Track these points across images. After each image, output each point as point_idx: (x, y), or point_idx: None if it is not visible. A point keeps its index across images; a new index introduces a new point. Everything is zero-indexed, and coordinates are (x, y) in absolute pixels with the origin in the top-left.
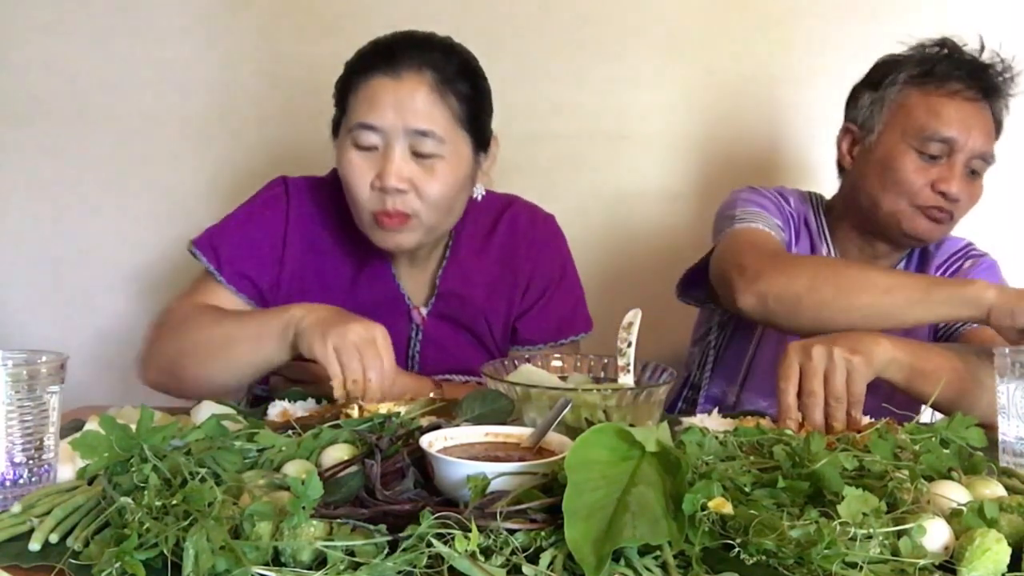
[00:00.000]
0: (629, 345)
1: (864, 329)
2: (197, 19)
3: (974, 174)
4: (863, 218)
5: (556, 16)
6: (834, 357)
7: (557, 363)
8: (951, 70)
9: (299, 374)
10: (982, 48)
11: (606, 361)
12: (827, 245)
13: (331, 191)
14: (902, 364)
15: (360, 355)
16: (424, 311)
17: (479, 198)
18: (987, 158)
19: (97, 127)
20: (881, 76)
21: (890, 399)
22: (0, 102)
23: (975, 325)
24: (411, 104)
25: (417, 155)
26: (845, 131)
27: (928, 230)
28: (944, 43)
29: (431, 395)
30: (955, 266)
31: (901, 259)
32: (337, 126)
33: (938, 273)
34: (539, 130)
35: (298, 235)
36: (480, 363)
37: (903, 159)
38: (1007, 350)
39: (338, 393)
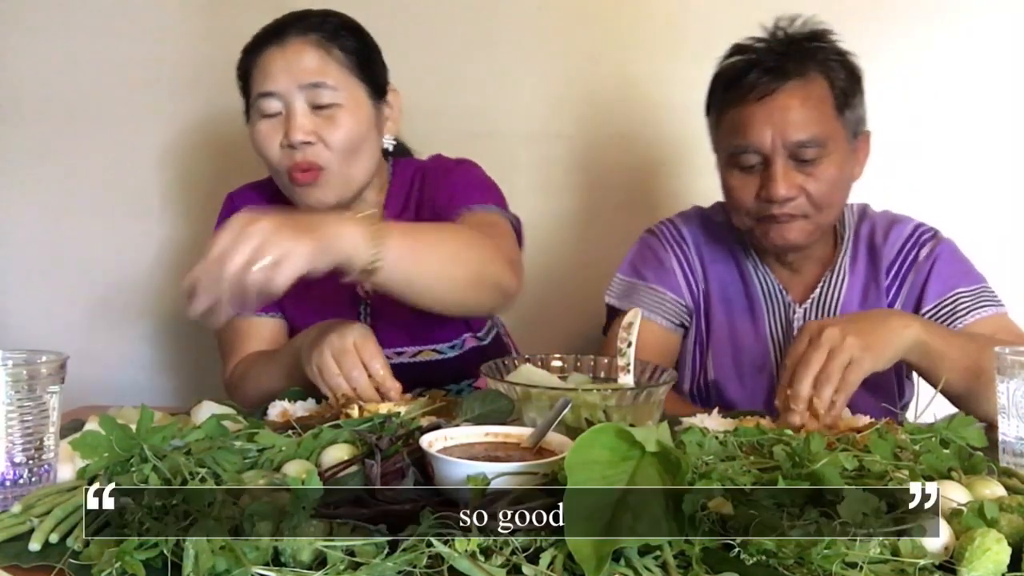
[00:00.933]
0: (629, 345)
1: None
2: (192, 18)
3: (807, 162)
4: None
5: (555, 15)
6: (844, 343)
7: (557, 363)
8: (743, 75)
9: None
10: (775, 30)
11: (606, 361)
12: (753, 259)
13: (272, 190)
14: (929, 348)
15: (339, 366)
16: (368, 287)
17: (390, 148)
18: (813, 142)
19: (94, 127)
20: (708, 102)
21: (889, 397)
22: (1, 100)
23: (977, 317)
24: (299, 63)
25: (316, 108)
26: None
27: (781, 236)
28: (739, 48)
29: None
30: (909, 258)
31: (840, 259)
32: (247, 115)
33: (892, 271)
34: (539, 130)
35: None
36: (432, 328)
37: (729, 179)
38: (1007, 350)
39: (333, 403)
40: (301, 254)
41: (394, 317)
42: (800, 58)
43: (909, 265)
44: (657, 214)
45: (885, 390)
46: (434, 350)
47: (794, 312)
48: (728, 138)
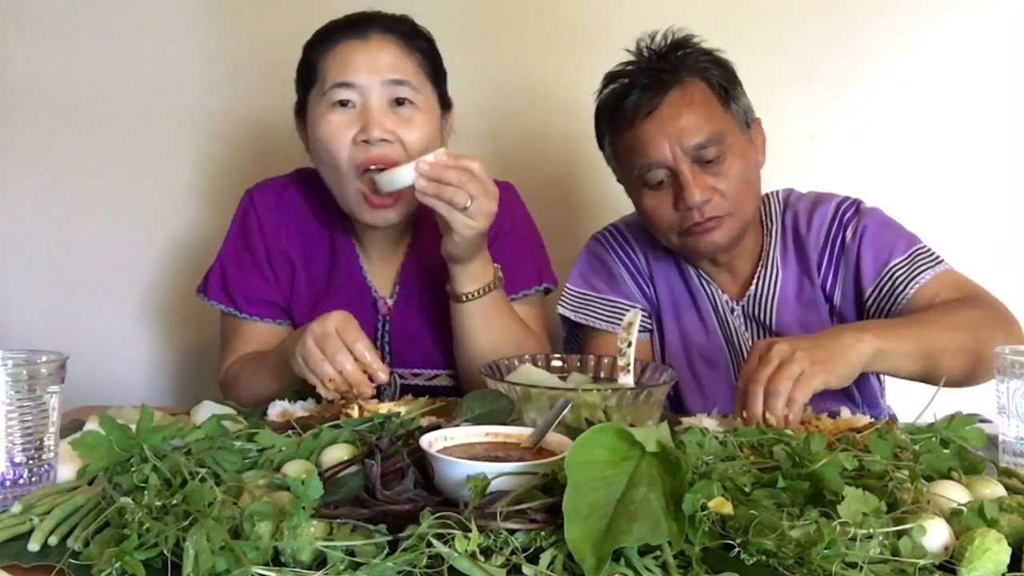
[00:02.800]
0: (629, 345)
1: None
2: (195, 18)
3: (712, 162)
4: None
5: (556, 15)
6: (794, 356)
7: (557, 363)
8: (623, 98)
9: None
10: (640, 51)
11: (606, 361)
12: (689, 263)
13: (297, 190)
14: (888, 352)
15: (323, 351)
16: (390, 302)
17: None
18: (710, 142)
19: (96, 126)
20: (598, 136)
21: (846, 395)
22: (1, 100)
23: (917, 286)
24: (382, 59)
25: (395, 106)
26: (619, 181)
27: (709, 243)
28: (613, 75)
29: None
30: (836, 242)
31: (771, 252)
32: (302, 107)
33: (824, 260)
34: (539, 130)
35: (276, 244)
36: (450, 355)
37: (643, 201)
38: (1007, 349)
39: (325, 394)
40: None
41: (413, 338)
42: (673, 68)
43: (838, 251)
44: None
45: (843, 391)
46: (450, 375)
47: (732, 311)
48: (629, 162)
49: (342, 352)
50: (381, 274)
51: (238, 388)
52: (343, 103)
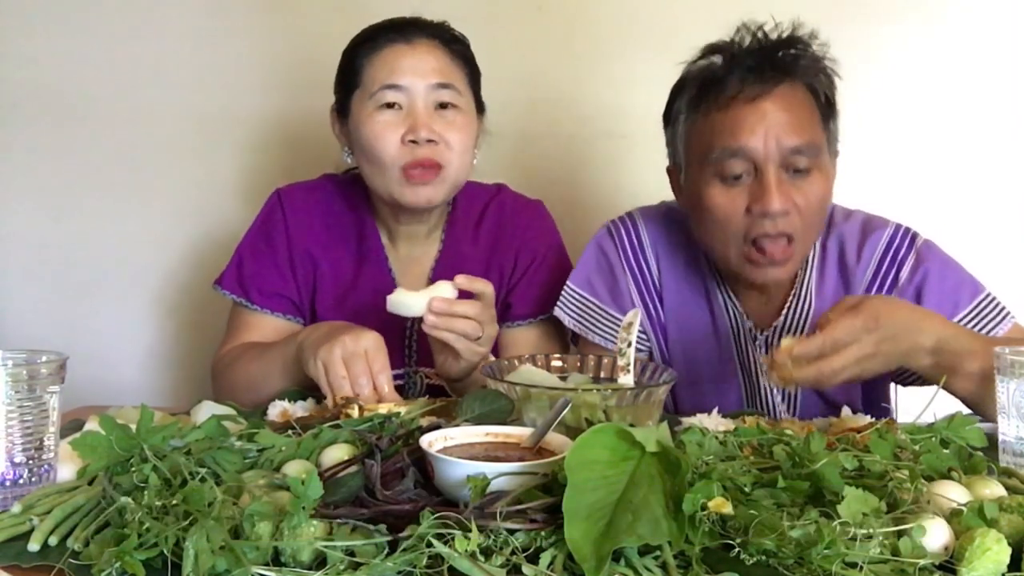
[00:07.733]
0: (629, 345)
1: None
2: (200, 17)
3: (800, 172)
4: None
5: (555, 15)
6: (862, 340)
7: (557, 363)
8: (725, 75)
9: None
10: (757, 33)
11: (606, 361)
12: (716, 278)
13: (323, 194)
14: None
15: (348, 369)
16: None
17: (475, 163)
18: (807, 149)
19: (98, 126)
20: (669, 109)
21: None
22: (1, 100)
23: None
24: (428, 63)
25: (439, 108)
26: (668, 172)
27: (767, 277)
28: (716, 48)
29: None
30: (888, 279)
31: (806, 282)
32: (342, 108)
33: (873, 290)
34: (539, 130)
35: (300, 242)
36: None
37: (710, 195)
38: (1007, 350)
39: (329, 404)
40: None
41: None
42: (786, 61)
43: (888, 288)
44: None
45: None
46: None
47: (755, 339)
48: (708, 144)
49: (366, 376)
50: (412, 274)
51: (233, 371)
52: (390, 105)
